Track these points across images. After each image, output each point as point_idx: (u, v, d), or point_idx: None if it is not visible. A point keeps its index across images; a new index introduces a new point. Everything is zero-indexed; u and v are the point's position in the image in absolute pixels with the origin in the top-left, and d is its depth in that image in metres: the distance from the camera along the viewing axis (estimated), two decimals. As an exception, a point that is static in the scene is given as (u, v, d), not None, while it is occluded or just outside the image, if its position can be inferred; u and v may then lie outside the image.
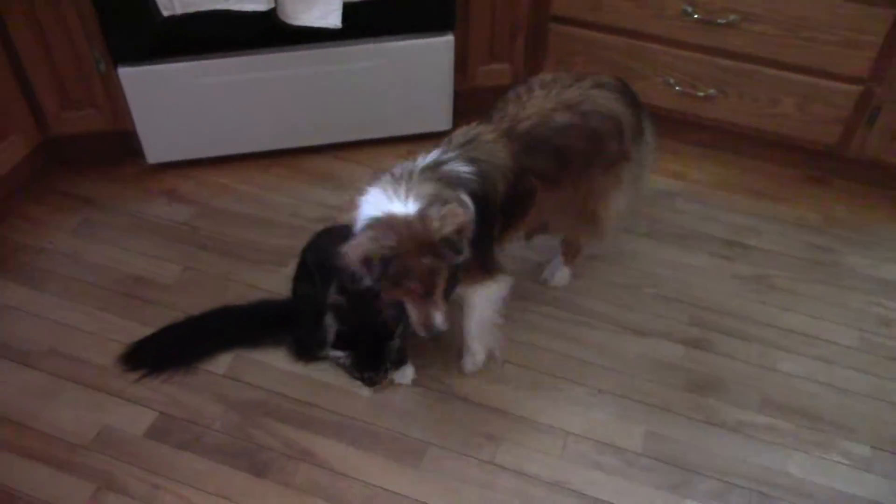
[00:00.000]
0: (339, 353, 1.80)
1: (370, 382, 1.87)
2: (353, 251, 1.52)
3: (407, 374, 1.99)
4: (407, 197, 1.56)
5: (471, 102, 2.54)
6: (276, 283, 2.20)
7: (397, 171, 1.65)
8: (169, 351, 2.04)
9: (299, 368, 2.03)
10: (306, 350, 1.99)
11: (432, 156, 1.69)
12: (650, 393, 2.02)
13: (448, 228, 1.51)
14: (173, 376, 2.00)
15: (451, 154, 1.69)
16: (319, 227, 2.11)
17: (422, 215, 1.53)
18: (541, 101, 1.79)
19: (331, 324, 1.79)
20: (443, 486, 1.80)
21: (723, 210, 2.57)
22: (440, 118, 2.69)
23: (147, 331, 2.07)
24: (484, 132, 1.75)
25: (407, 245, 1.51)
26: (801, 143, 2.58)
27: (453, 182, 1.63)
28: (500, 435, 1.91)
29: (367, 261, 1.50)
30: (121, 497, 1.76)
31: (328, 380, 2.00)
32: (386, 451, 1.87)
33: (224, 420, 1.91)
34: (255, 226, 2.43)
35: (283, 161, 2.65)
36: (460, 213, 1.54)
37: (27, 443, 1.85)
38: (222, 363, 2.04)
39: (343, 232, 1.66)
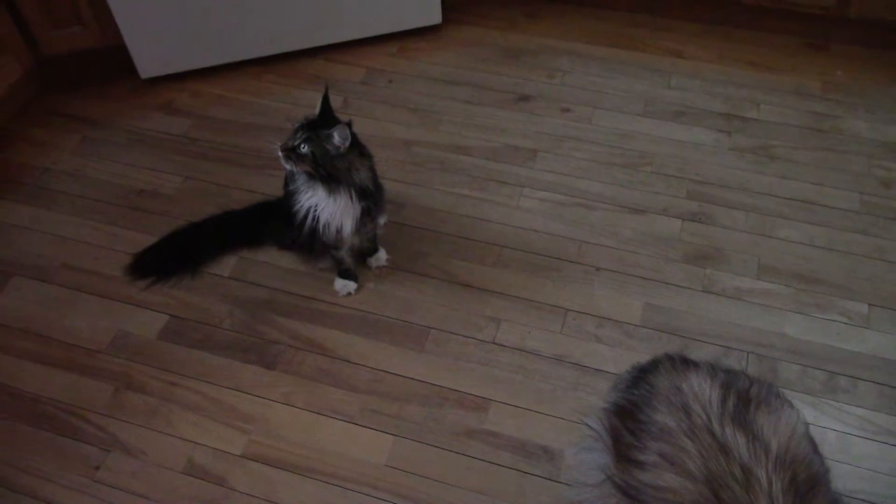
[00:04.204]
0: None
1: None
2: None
3: (381, 258, 2.07)
4: None
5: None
6: (276, 186, 2.21)
7: None
8: (174, 257, 2.09)
9: (302, 266, 2.08)
10: (301, 245, 2.02)
11: None
12: (648, 267, 2.04)
13: None
14: (180, 281, 2.05)
15: None
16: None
17: None
18: None
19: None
20: (446, 366, 1.86)
21: (721, 85, 2.53)
22: (429, 11, 2.64)
23: (153, 240, 2.12)
24: None
25: None
26: (799, 8, 2.50)
27: None
28: (500, 316, 1.95)
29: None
30: (139, 395, 1.84)
31: (330, 276, 2.04)
32: (389, 337, 1.92)
33: (232, 319, 1.98)
34: (251, 132, 2.44)
35: (275, 68, 2.64)
36: None
37: (48, 351, 1.93)
38: (227, 265, 2.09)
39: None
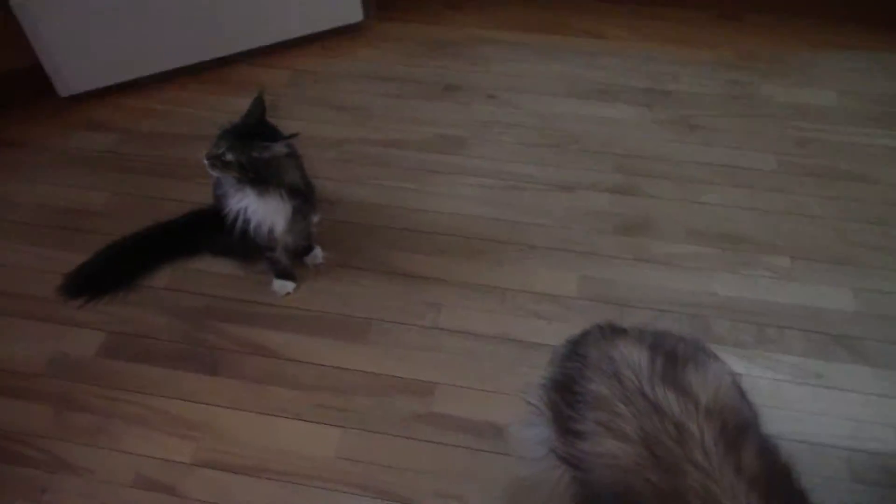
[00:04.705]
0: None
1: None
2: None
3: (317, 255, 2.07)
4: None
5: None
6: (207, 194, 2.19)
7: None
8: (107, 273, 2.05)
9: (238, 271, 2.07)
10: (234, 249, 2.02)
11: None
12: (581, 241, 2.08)
13: None
14: (116, 297, 2.03)
15: None
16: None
17: None
18: None
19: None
20: (390, 355, 1.88)
21: (641, 61, 2.60)
22: (349, 10, 2.66)
23: (84, 258, 2.08)
24: None
25: None
26: (709, -18, 2.59)
27: None
28: (440, 301, 1.98)
29: None
30: (82, 414, 1.82)
31: (268, 278, 2.04)
32: (331, 333, 1.93)
33: (171, 329, 1.96)
34: (179, 143, 2.42)
35: (199, 76, 2.62)
36: None
37: (-17, 380, 1.89)
38: (162, 277, 2.07)
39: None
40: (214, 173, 1.79)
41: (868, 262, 2.00)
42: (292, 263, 2.03)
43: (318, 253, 2.07)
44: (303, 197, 1.87)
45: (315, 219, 2.02)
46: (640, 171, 2.25)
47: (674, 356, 1.27)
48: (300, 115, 2.48)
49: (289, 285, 2.02)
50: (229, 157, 1.75)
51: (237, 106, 2.48)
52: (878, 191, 2.17)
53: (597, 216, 2.14)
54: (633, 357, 1.27)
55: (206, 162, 1.76)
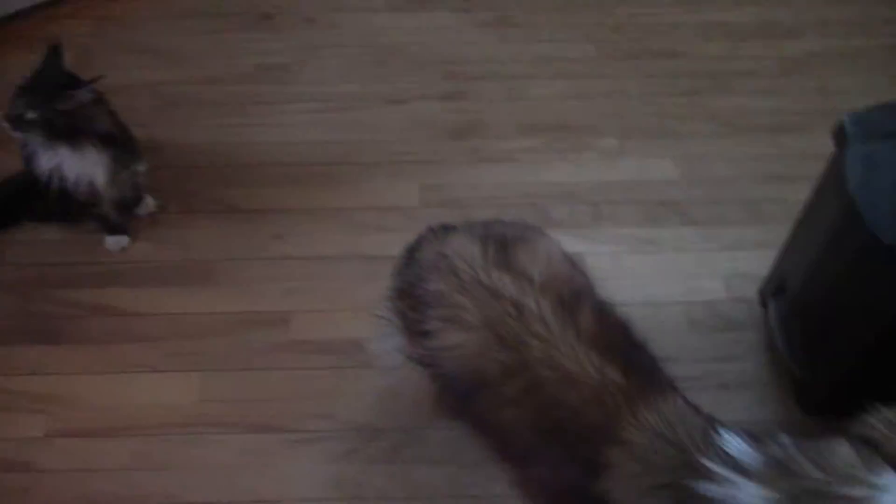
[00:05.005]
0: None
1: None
2: None
3: (149, 204, 1.99)
4: None
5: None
6: (16, 161, 2.05)
7: None
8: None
9: (66, 234, 1.95)
10: (56, 211, 1.90)
11: None
12: (418, 152, 2.10)
13: None
14: (-67, 284, 1.88)
15: None
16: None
17: None
18: None
19: None
20: (239, 292, 1.84)
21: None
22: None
23: None
24: None
25: None
26: None
27: None
28: (284, 231, 1.95)
29: None
30: (-82, 409, 1.69)
31: (99, 237, 1.94)
32: (175, 280, 1.87)
33: (3, 306, 1.84)
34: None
35: (-12, 36, 2.41)
36: None
37: None
38: (-19, 254, 1.93)
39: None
40: (18, 135, 1.67)
41: (683, 131, 2.13)
42: (124, 217, 1.94)
43: (149, 202, 1.98)
44: (119, 144, 1.78)
45: (141, 168, 1.92)
46: (466, 75, 2.27)
47: (504, 241, 1.31)
48: (111, 64, 2.32)
49: (123, 240, 1.93)
50: (31, 114, 1.63)
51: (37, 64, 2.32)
52: (686, 64, 2.29)
53: (430, 125, 2.15)
54: (465, 250, 1.30)
55: (6, 125, 1.64)
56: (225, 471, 1.59)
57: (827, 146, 1.47)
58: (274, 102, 2.21)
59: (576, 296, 1.24)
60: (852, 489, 0.87)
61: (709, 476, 0.97)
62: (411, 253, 1.41)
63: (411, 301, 1.32)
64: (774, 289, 1.71)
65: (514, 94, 2.22)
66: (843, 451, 0.91)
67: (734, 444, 0.99)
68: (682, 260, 1.89)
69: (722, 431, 1.02)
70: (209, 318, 1.80)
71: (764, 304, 1.77)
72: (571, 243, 1.41)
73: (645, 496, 1.03)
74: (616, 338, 1.19)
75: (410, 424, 1.62)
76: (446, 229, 1.40)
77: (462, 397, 1.23)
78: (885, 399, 0.98)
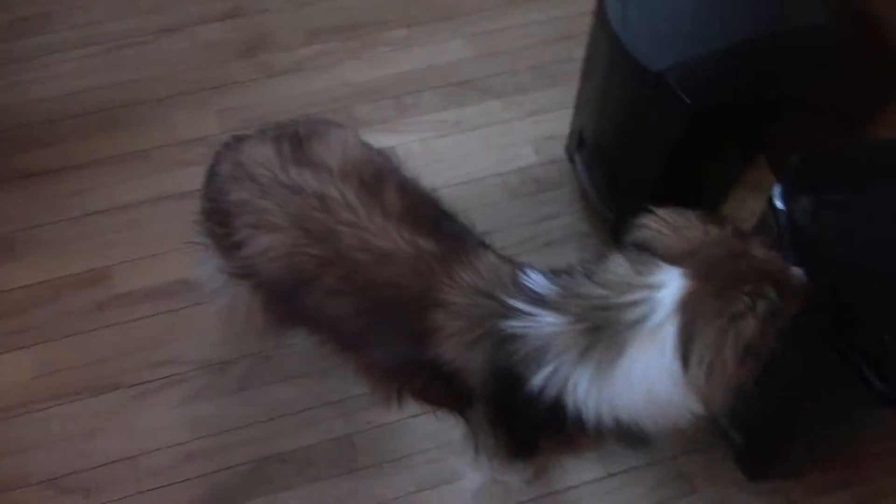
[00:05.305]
0: None
1: None
2: None
3: None
4: None
5: None
6: None
7: None
8: None
9: None
10: None
11: None
12: (208, 78, 2.02)
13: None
14: None
15: None
16: None
17: None
18: None
19: None
20: (49, 258, 1.74)
21: None
22: None
23: None
24: None
25: None
26: None
27: None
28: (83, 187, 1.84)
29: None
30: None
31: None
32: (-30, 261, 1.74)
33: None
34: None
35: None
36: None
37: None
38: None
39: None
40: None
41: (469, 9, 2.15)
42: None
43: None
44: None
45: None
46: (242, -9, 2.18)
47: (297, 138, 1.29)
48: None
49: None
50: None
51: None
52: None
53: (214, 48, 2.07)
54: (259, 154, 1.28)
55: None
56: (76, 439, 1.54)
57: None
58: (38, 56, 2.05)
59: (377, 177, 1.25)
60: (631, 295, 0.96)
61: (514, 314, 1.03)
62: (211, 171, 1.38)
63: (218, 217, 1.30)
64: (577, 143, 1.81)
65: (295, 2, 2.15)
66: (618, 263, 0.99)
67: (535, 280, 1.06)
68: (489, 134, 1.95)
69: (528, 271, 1.08)
70: (25, 292, 1.70)
71: (571, 160, 1.86)
72: (380, 139, 1.41)
73: (470, 349, 1.09)
74: (423, 210, 1.22)
75: (255, 349, 1.62)
76: (238, 139, 1.37)
77: (286, 300, 1.23)
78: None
